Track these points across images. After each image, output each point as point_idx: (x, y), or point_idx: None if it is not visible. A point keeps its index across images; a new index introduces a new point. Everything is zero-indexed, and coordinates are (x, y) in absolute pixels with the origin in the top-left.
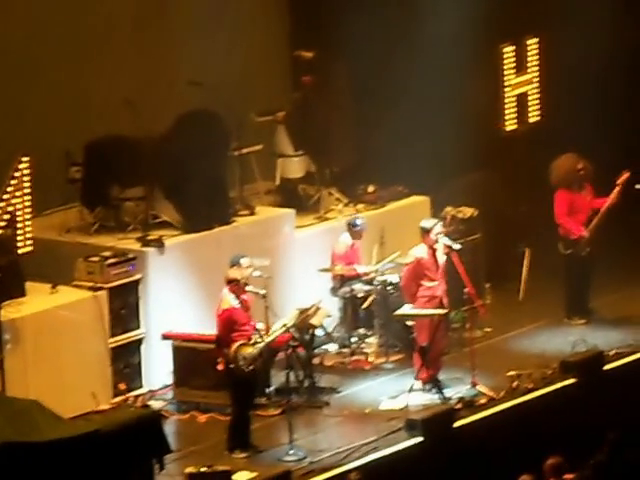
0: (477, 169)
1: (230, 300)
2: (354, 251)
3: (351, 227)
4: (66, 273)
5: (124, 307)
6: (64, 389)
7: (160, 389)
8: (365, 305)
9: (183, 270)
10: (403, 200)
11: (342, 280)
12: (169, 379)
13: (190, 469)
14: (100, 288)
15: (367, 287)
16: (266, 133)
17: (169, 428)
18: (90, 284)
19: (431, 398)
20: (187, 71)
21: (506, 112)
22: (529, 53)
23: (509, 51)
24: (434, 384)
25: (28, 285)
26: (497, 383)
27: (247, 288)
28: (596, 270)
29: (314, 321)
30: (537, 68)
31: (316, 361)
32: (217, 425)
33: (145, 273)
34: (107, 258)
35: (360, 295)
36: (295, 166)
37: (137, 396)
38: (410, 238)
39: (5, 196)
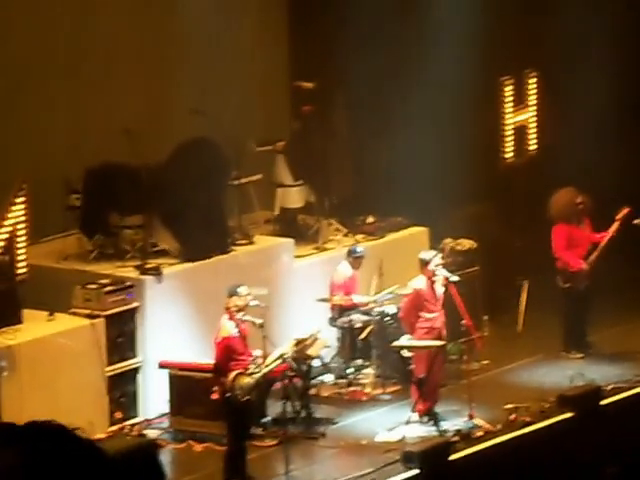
0: (476, 201)
1: (229, 328)
2: (353, 281)
3: (351, 255)
4: (64, 300)
5: (121, 335)
6: (60, 417)
7: (156, 418)
8: (363, 336)
9: (181, 299)
10: (402, 231)
11: (340, 310)
12: (165, 408)
13: None
14: (97, 316)
15: (365, 318)
16: (266, 163)
17: (165, 457)
18: (87, 312)
19: (428, 430)
20: (187, 100)
21: (505, 145)
22: (528, 86)
23: (509, 84)
24: (431, 416)
25: (25, 312)
26: (494, 416)
27: (244, 317)
28: (594, 304)
29: (311, 351)
30: (536, 102)
31: (313, 392)
32: (213, 455)
33: (143, 301)
34: (105, 286)
35: (358, 326)
36: (294, 196)
37: (133, 425)
38: (409, 269)
39: (3, 222)
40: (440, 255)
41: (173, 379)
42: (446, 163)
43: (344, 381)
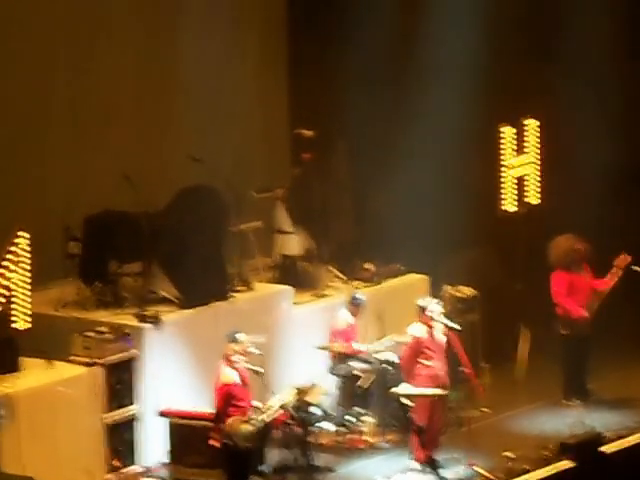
0: (475, 248)
1: (229, 375)
2: (352, 328)
3: (352, 302)
4: (62, 348)
5: (120, 383)
6: (59, 465)
7: (155, 467)
8: (364, 384)
9: (180, 346)
10: (401, 278)
11: (340, 358)
12: (164, 457)
13: None
14: (96, 364)
15: (365, 365)
16: (265, 209)
17: None
18: (86, 360)
19: (428, 478)
20: (186, 147)
21: (505, 192)
22: (528, 134)
23: (508, 132)
24: (431, 464)
25: (24, 360)
26: (494, 464)
27: (244, 365)
28: (594, 351)
29: (311, 399)
30: (536, 149)
31: (312, 439)
32: None
33: (142, 349)
34: (103, 333)
35: (358, 373)
36: (294, 243)
37: (131, 473)
38: (408, 316)
39: (1, 270)
40: (439, 302)
41: (172, 427)
42: (445, 210)
43: (343, 429)
